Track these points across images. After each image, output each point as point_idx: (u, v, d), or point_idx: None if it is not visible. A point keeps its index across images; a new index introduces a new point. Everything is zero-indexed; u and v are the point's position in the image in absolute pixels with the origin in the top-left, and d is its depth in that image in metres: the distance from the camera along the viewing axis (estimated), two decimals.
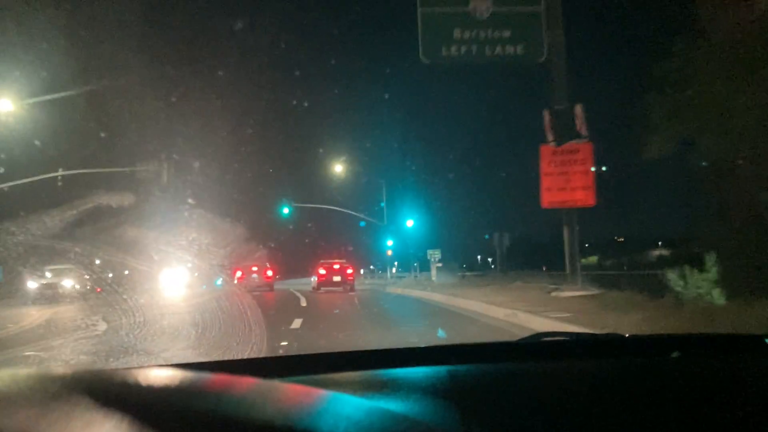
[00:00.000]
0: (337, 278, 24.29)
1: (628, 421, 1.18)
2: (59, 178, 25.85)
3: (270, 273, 25.35)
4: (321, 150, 50.82)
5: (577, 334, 2.87)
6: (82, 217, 16.66)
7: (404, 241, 54.43)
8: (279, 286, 34.27)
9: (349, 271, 24.96)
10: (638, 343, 2.04)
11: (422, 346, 2.08)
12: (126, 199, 21.11)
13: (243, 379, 1.04)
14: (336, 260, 25.57)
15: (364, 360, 1.81)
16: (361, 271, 77.33)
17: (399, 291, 22.55)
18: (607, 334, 2.85)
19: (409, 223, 31.66)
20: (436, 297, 17.00)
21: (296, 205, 47.56)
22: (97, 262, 14.81)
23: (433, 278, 24.97)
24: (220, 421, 0.81)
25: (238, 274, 23.02)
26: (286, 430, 0.79)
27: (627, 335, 2.10)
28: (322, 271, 24.79)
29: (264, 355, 3.78)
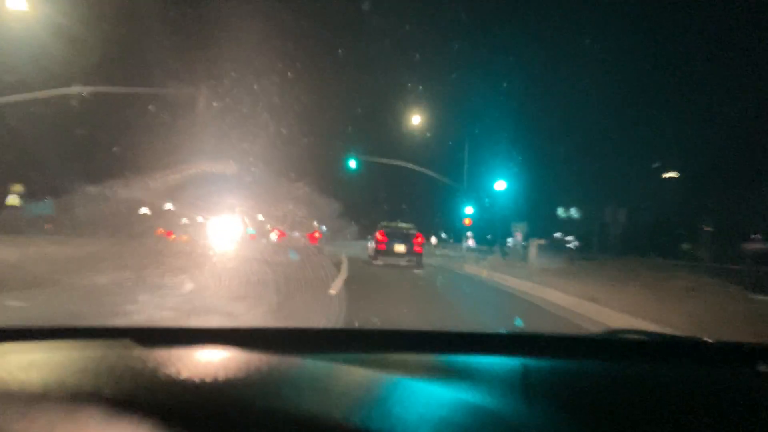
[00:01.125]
0: (400, 248, 17.98)
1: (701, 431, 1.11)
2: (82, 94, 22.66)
3: (317, 235, 21.69)
4: (399, 101, 44.26)
5: (656, 334, 2.23)
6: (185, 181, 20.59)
7: (485, 209, 47.70)
8: (333, 249, 29.32)
9: (419, 240, 18.49)
10: (722, 350, 1.87)
11: (492, 332, 1.99)
12: (229, 168, 23.45)
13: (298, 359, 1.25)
14: (401, 225, 19.38)
15: (432, 341, 1.78)
16: (432, 240, 71.50)
17: (483, 274, 15.91)
18: (688, 337, 2.30)
19: (500, 185, 24.83)
20: (557, 298, 10.26)
21: (364, 158, 42.19)
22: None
23: (531, 260, 18.34)
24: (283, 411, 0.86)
25: (275, 233, 20.69)
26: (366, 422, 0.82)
27: (711, 340, 1.91)
28: (381, 237, 18.42)
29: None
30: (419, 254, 18.15)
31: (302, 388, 1.04)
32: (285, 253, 18.52)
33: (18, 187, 32.73)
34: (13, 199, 31.00)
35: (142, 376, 1.04)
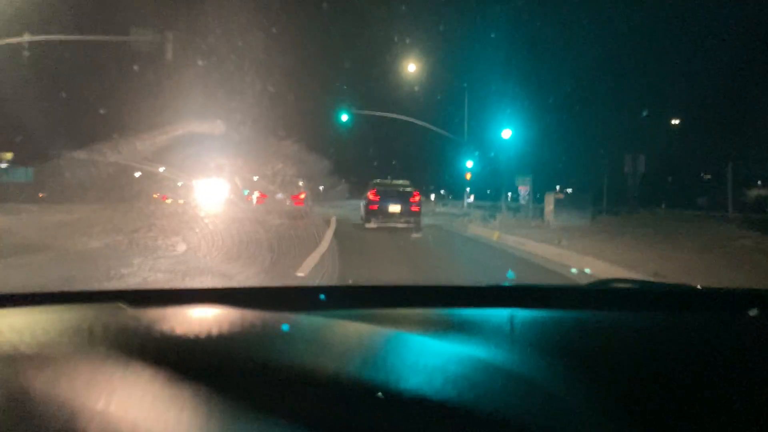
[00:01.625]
0: (395, 208, 15.62)
1: (695, 379, 1.10)
2: (25, 45, 20.22)
3: (302, 196, 19.36)
4: (392, 53, 41.03)
5: (648, 283, 2.45)
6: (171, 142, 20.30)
7: (486, 163, 44.95)
8: (322, 210, 27.47)
9: (416, 198, 16.01)
10: (712, 296, 1.95)
11: (486, 285, 1.95)
12: (216, 128, 22.83)
13: (293, 315, 1.27)
14: (395, 182, 17.04)
15: (425, 296, 1.82)
16: (431, 197, 68.98)
17: (494, 237, 13.11)
18: (678, 285, 2.33)
19: (506, 133, 22.14)
20: (603, 270, 7.55)
21: (357, 112, 39.50)
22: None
23: (548, 217, 15.75)
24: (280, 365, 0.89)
25: (255, 194, 19.26)
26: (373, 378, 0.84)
27: (700, 287, 1.98)
28: (373, 197, 15.97)
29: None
30: (417, 214, 15.85)
31: (296, 342, 1.07)
32: (262, 218, 16.14)
33: (8, 155, 33.63)
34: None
35: (136, 335, 1.05)
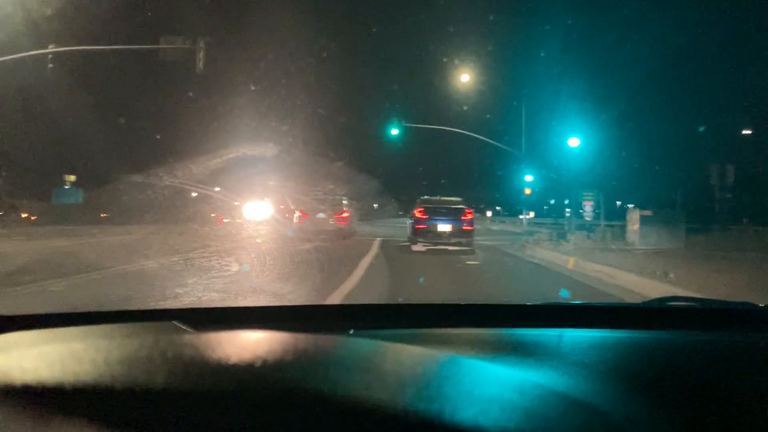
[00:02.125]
0: (445, 227, 13.93)
1: (753, 401, 1.05)
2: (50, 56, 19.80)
3: (345, 215, 18.30)
4: (444, 58, 38.88)
5: (707, 301, 2.31)
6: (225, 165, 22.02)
7: (545, 178, 42.03)
8: (369, 228, 26.45)
9: (468, 216, 14.30)
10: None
11: (538, 304, 1.93)
12: (269, 150, 24.04)
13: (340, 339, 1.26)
14: (445, 199, 15.40)
15: (475, 316, 1.79)
16: (487, 213, 65.87)
17: (570, 264, 10.54)
18: (740, 303, 2.17)
19: (574, 142, 19.47)
20: None
21: (408, 125, 37.46)
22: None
23: (632, 238, 13.08)
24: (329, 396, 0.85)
25: (297, 215, 18.05)
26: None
27: (762, 305, 1.91)
28: (420, 215, 14.38)
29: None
30: (470, 234, 14.13)
31: (350, 368, 1.03)
32: (299, 239, 15.26)
33: (71, 177, 35.34)
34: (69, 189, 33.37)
35: (191, 358, 1.03)
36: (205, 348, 1.08)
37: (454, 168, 70.40)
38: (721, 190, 20.06)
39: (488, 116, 43.81)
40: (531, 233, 18.22)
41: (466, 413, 0.83)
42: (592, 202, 34.73)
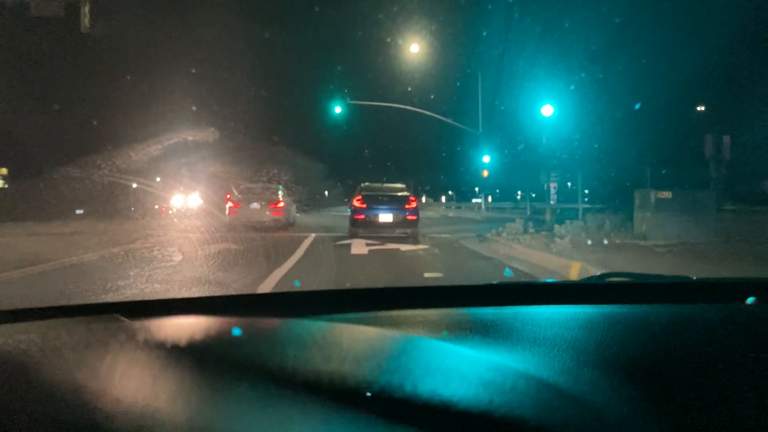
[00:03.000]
0: (386, 217, 13.23)
1: (693, 370, 1.08)
2: None
3: (281, 205, 16.79)
4: (391, 30, 35.20)
5: (643, 276, 2.40)
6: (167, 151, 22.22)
7: (508, 158, 39.02)
8: (311, 219, 23.49)
9: (412, 205, 13.58)
10: (708, 287, 1.96)
11: (482, 284, 2.00)
12: (211, 135, 24.62)
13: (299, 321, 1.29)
14: (387, 186, 14.72)
15: (423, 298, 1.82)
16: (443, 199, 62.80)
17: (572, 273, 7.20)
18: (674, 276, 2.36)
19: (547, 110, 16.12)
20: None
21: (352, 102, 34.04)
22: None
23: (642, 229, 9.76)
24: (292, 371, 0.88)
25: (228, 205, 16.88)
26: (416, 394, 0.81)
27: (695, 278, 2.00)
28: (360, 204, 13.48)
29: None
30: (414, 224, 13.38)
31: (306, 345, 1.06)
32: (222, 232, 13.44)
33: (3, 170, 33.25)
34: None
35: (134, 349, 1.04)
36: (149, 335, 1.10)
37: (405, 151, 67.24)
38: (718, 167, 17.13)
39: (441, 93, 40.45)
40: (500, 222, 14.92)
41: (426, 384, 0.84)
42: (556, 184, 31.86)
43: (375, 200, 13.33)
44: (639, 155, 26.99)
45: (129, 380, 0.87)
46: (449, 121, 31.78)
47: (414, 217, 13.32)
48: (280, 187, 18.10)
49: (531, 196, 34.22)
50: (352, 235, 13.23)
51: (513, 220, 13.84)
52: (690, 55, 24.85)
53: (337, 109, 31.28)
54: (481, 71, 32.58)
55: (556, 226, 10.99)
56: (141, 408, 0.78)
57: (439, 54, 33.61)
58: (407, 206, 13.32)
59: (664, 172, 19.18)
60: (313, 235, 14.04)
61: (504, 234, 12.05)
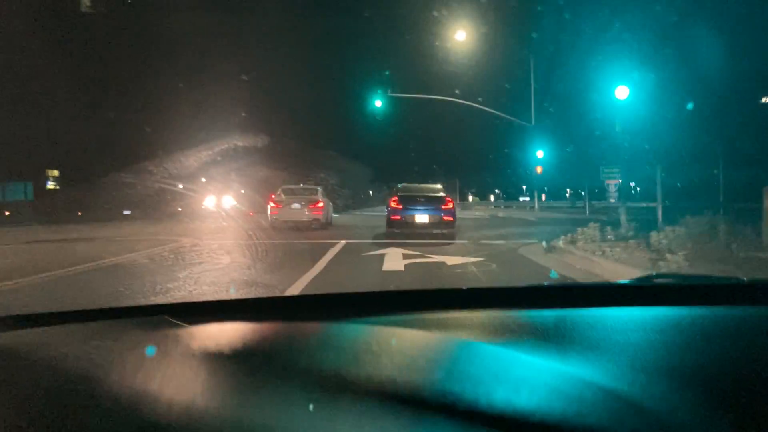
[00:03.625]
0: (423, 218, 13.01)
1: (740, 374, 1.04)
2: None
3: (320, 205, 17.22)
4: (435, 15, 32.62)
5: (692, 277, 2.52)
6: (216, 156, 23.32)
7: (558, 154, 35.89)
8: (347, 219, 23.74)
9: (448, 205, 13.25)
10: (759, 289, 1.85)
11: (525, 285, 1.97)
12: (260, 141, 26.41)
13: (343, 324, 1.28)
14: (423, 186, 14.56)
15: (462, 300, 1.75)
16: (491, 198, 59.97)
17: None
18: (725, 278, 2.39)
19: (622, 92, 13.26)
20: None
21: (393, 95, 31.84)
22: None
23: None
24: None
25: (270, 205, 17.18)
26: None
27: (746, 279, 1.94)
28: (396, 205, 13.27)
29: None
30: (450, 225, 13.22)
31: (358, 352, 1.04)
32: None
33: (54, 172, 34.30)
34: (50, 185, 33.07)
35: (184, 352, 1.03)
36: (198, 339, 1.12)
37: (450, 150, 64.60)
38: None
39: (489, 85, 37.55)
40: (559, 224, 12.35)
41: (498, 394, 0.81)
42: (618, 181, 28.84)
43: (411, 201, 13.17)
44: (712, 148, 23.56)
45: (181, 383, 0.86)
46: (498, 113, 29.03)
47: (450, 218, 13.08)
48: (319, 189, 18.73)
49: (582, 194, 31.44)
50: (389, 236, 12.91)
51: (574, 222, 11.38)
52: None
53: (378, 103, 29.21)
54: (534, 56, 29.75)
55: (653, 234, 8.33)
56: (194, 412, 0.77)
57: (486, 40, 30.88)
58: (444, 207, 13.12)
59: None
60: (343, 242, 11.82)
61: (580, 242, 9.47)
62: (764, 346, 1.24)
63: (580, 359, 1.07)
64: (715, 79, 19.99)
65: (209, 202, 25.12)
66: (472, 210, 41.83)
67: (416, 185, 14.55)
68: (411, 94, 31.34)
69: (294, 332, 1.20)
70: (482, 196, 63.63)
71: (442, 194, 13.64)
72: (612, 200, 30.40)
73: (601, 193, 37.09)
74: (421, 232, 12.93)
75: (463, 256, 9.14)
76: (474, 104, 29.41)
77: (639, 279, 2.09)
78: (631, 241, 9.12)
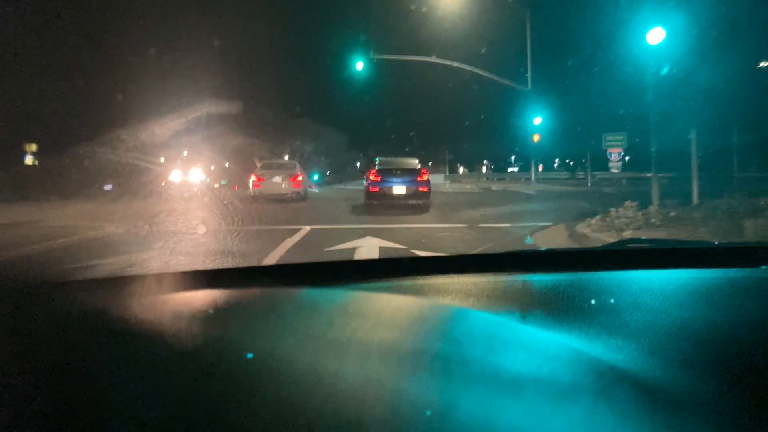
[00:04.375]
0: (400, 189, 13.49)
1: (711, 336, 1.04)
2: None
3: (299, 178, 17.71)
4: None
5: (665, 241, 2.46)
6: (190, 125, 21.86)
7: (554, 121, 33.12)
8: (328, 191, 24.20)
9: (423, 177, 13.87)
10: (729, 253, 1.90)
11: (503, 252, 1.94)
12: (235, 108, 24.56)
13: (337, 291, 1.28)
14: (400, 160, 14.96)
15: (436, 266, 1.72)
16: (483, 169, 57.14)
17: None
18: (696, 242, 2.47)
19: (656, 35, 10.76)
20: None
21: (377, 57, 29.68)
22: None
23: None
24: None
25: (252, 179, 17.70)
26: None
27: (717, 243, 2.00)
28: (374, 177, 13.72)
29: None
30: (426, 195, 13.84)
31: (350, 315, 1.03)
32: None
33: (32, 146, 33.06)
34: (29, 159, 31.97)
35: (163, 321, 1.01)
36: (187, 307, 1.09)
37: (435, 118, 61.77)
38: None
39: (480, 46, 34.67)
40: (564, 198, 10.09)
41: (504, 359, 0.81)
42: (620, 150, 26.58)
43: (389, 173, 13.73)
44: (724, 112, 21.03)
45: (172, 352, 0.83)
46: (491, 75, 26.41)
47: (426, 189, 13.78)
48: (297, 163, 19.37)
49: (570, 164, 29.11)
50: (366, 212, 13.09)
51: (579, 196, 9.51)
52: None
53: (359, 65, 26.56)
54: (532, 11, 27.00)
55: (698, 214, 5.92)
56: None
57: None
58: (419, 178, 13.76)
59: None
60: (307, 228, 9.29)
61: (622, 226, 7.01)
62: (733, 306, 1.26)
63: (567, 326, 1.05)
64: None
65: (177, 176, 24.37)
66: (462, 183, 39.31)
67: (393, 158, 15.25)
68: (395, 55, 28.60)
69: (281, 298, 1.20)
70: (470, 168, 61.04)
71: (418, 166, 14.39)
72: (614, 170, 28.12)
73: (596, 163, 34.78)
74: (399, 203, 13.44)
75: (463, 249, 6.73)
76: (462, 65, 26.75)
77: (612, 244, 2.20)
78: (689, 225, 6.71)
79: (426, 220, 10.63)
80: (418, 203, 13.64)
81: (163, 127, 21.81)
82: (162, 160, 24.56)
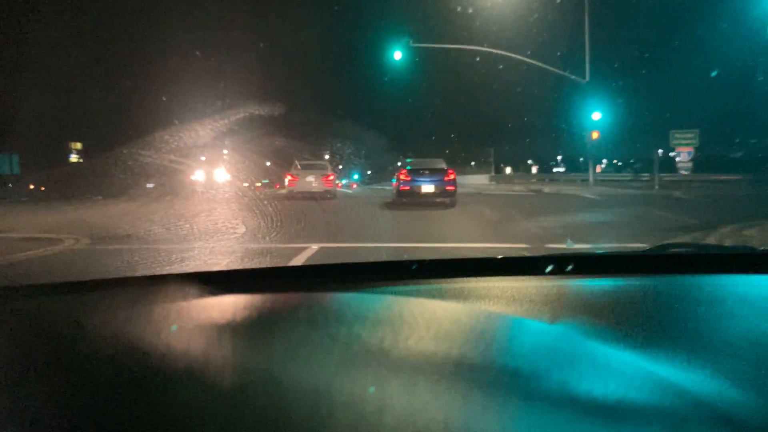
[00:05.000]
0: (428, 188, 14.50)
1: (751, 340, 1.03)
2: None
3: (331, 177, 19.29)
4: None
5: (706, 246, 2.42)
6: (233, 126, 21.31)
7: (611, 117, 30.01)
8: (365, 190, 25.69)
9: (450, 177, 14.69)
10: None
11: (539, 255, 1.88)
12: (277, 109, 23.56)
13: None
14: (428, 160, 16.06)
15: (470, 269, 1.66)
16: (533, 170, 53.62)
17: None
18: (737, 247, 2.45)
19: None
20: None
21: (416, 45, 26.02)
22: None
23: None
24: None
25: (288, 178, 19.33)
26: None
27: (760, 249, 1.91)
28: (404, 177, 14.72)
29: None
30: (452, 194, 14.68)
31: (384, 322, 0.98)
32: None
33: (77, 145, 33.89)
34: (74, 157, 32.94)
35: (207, 321, 0.99)
36: (221, 309, 1.07)
37: (480, 117, 59.10)
38: None
39: (532, 35, 31.90)
40: (629, 204, 8.31)
41: (556, 373, 0.76)
42: (691, 149, 23.82)
43: (418, 173, 14.66)
44: None
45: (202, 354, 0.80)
46: (544, 65, 23.69)
47: (452, 188, 14.61)
48: (328, 164, 20.74)
49: (617, 165, 26.21)
50: (397, 205, 14.21)
51: (649, 200, 7.42)
52: None
53: (397, 55, 24.38)
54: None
55: None
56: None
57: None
58: (446, 178, 14.62)
59: None
60: (315, 247, 7.01)
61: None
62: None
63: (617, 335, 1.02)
64: None
65: (211, 175, 24.76)
66: (510, 184, 36.33)
67: (422, 159, 16.36)
68: (434, 44, 26.25)
69: (319, 302, 1.15)
70: (516, 168, 58.23)
71: (444, 167, 15.24)
72: (684, 172, 25.18)
73: (650, 163, 31.54)
74: (427, 201, 14.31)
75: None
76: (510, 54, 24.18)
77: (654, 248, 2.07)
78: None
79: (471, 235, 8.25)
80: (444, 201, 14.58)
81: (206, 128, 22.01)
82: (203, 158, 25.13)
